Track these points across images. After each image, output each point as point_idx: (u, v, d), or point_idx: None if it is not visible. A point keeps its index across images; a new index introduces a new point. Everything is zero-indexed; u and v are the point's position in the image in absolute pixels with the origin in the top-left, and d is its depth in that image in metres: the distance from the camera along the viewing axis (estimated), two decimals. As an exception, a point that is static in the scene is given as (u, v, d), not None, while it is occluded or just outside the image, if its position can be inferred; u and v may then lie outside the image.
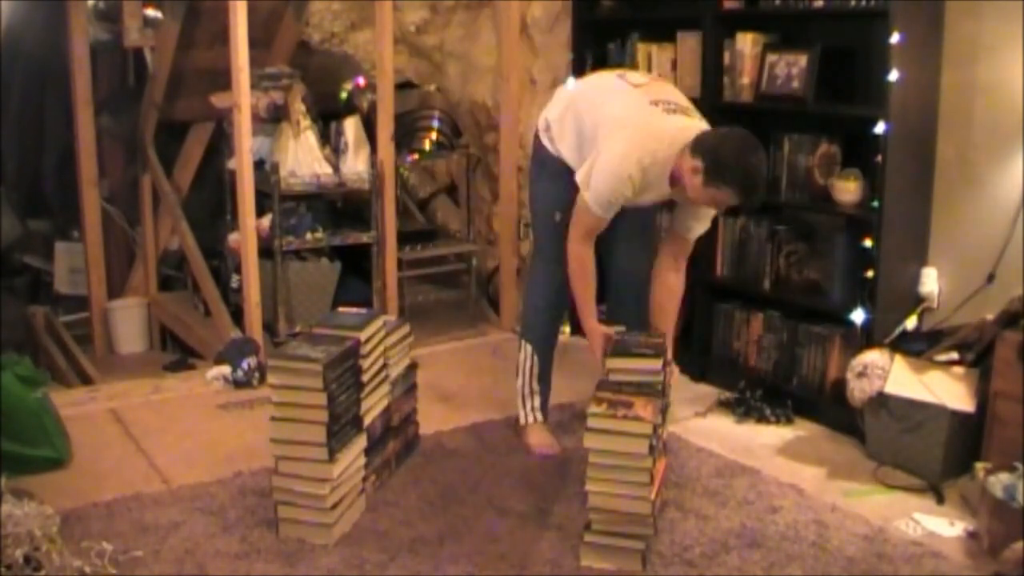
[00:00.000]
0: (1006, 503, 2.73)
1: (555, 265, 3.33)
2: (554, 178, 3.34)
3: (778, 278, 3.87)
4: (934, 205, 3.60)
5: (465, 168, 5.16)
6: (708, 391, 4.03)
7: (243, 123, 4.14)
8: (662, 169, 3.06)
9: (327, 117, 4.84)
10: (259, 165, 4.56)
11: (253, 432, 3.51)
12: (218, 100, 4.71)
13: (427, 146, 4.96)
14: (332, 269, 4.79)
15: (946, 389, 3.22)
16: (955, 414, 3.17)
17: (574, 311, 4.78)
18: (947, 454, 3.19)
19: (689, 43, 4.13)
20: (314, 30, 5.14)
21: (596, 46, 4.59)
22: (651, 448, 2.65)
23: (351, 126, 4.73)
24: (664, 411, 2.99)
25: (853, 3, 3.50)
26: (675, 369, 3.33)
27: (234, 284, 4.76)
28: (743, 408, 3.79)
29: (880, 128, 3.38)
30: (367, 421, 3.02)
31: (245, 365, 4.07)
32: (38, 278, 6.02)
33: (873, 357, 3.35)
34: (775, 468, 3.32)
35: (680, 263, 3.40)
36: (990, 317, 3.23)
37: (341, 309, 3.22)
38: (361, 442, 2.98)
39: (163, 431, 3.63)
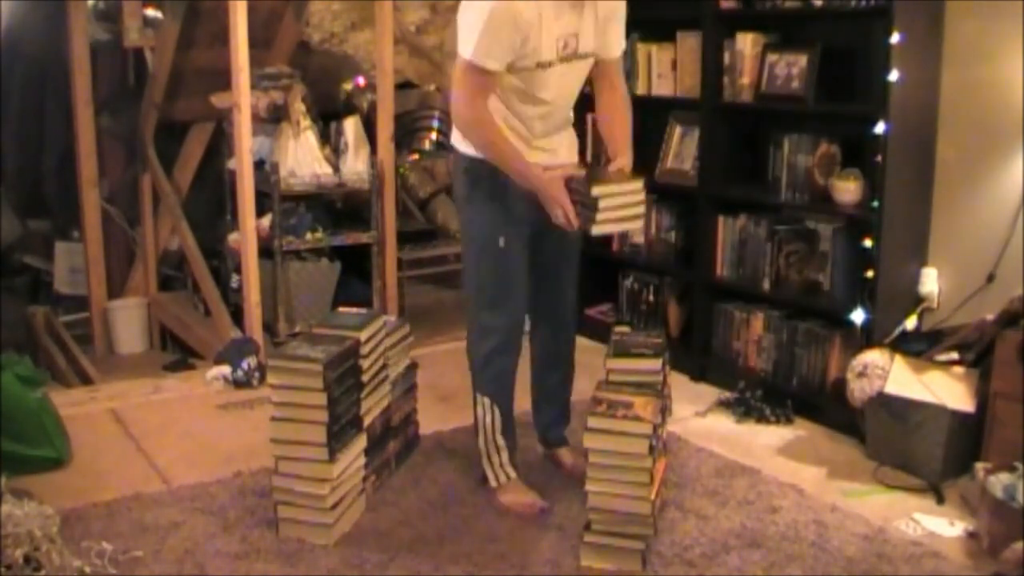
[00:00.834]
0: (1006, 503, 2.73)
1: (503, 307, 2.94)
2: (492, 195, 2.89)
3: (778, 278, 3.87)
4: (934, 205, 3.60)
5: (465, 168, 5.15)
6: (708, 391, 4.03)
7: (243, 123, 4.15)
8: None
9: (327, 117, 4.84)
10: (259, 165, 4.56)
11: (253, 432, 3.51)
12: (218, 100, 4.71)
13: (427, 146, 4.97)
14: (332, 269, 4.79)
15: (946, 389, 3.21)
16: (955, 414, 3.16)
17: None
18: (947, 454, 3.19)
19: (689, 43, 4.13)
20: (314, 30, 5.14)
21: (596, 46, 4.58)
22: (651, 448, 2.65)
23: (351, 126, 4.73)
24: (664, 411, 2.99)
25: (853, 3, 3.50)
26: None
27: (234, 284, 4.76)
28: (743, 408, 3.79)
29: (880, 128, 3.37)
30: (367, 421, 3.02)
31: (245, 365, 4.07)
32: (38, 278, 6.01)
33: (873, 357, 3.35)
34: (775, 468, 3.32)
35: (615, 82, 2.99)
36: (990, 317, 3.23)
37: (341, 309, 3.22)
38: (361, 442, 2.98)
39: (163, 431, 3.63)
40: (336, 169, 4.67)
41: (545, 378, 3.27)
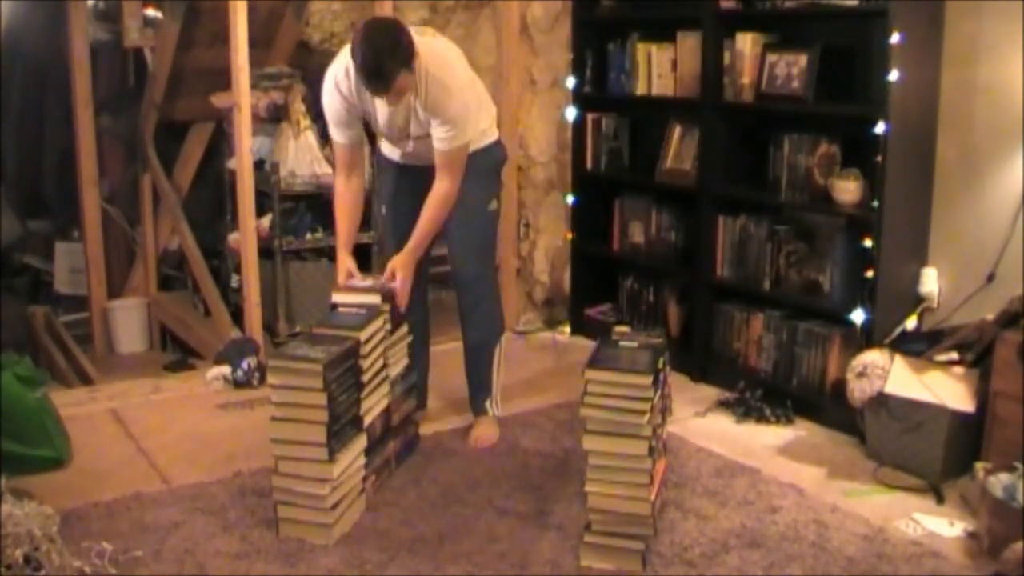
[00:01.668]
0: (1006, 503, 2.73)
1: None
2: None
3: (778, 278, 3.87)
4: (934, 205, 3.60)
5: (465, 168, 5.15)
6: (708, 391, 4.03)
7: (243, 123, 4.14)
8: None
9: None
10: (259, 165, 4.56)
11: (253, 432, 3.51)
12: (218, 100, 4.71)
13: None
14: (332, 269, 4.79)
15: (946, 389, 3.21)
16: (955, 414, 3.16)
17: (574, 306, 4.81)
18: (947, 454, 3.19)
19: (689, 43, 4.13)
20: (314, 30, 5.14)
21: (596, 46, 4.59)
22: (650, 449, 2.65)
23: (351, 126, 4.71)
24: (664, 411, 2.98)
25: (854, 3, 3.50)
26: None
27: (234, 284, 4.76)
28: (743, 408, 3.79)
29: (880, 128, 3.37)
30: (367, 421, 3.02)
31: (245, 365, 4.07)
32: (38, 278, 6.02)
33: (873, 357, 3.35)
34: (775, 468, 3.32)
35: (440, 173, 3.27)
36: (990, 317, 3.23)
37: (341, 309, 3.22)
38: (361, 442, 2.98)
39: (163, 431, 3.63)
40: (335, 168, 4.66)
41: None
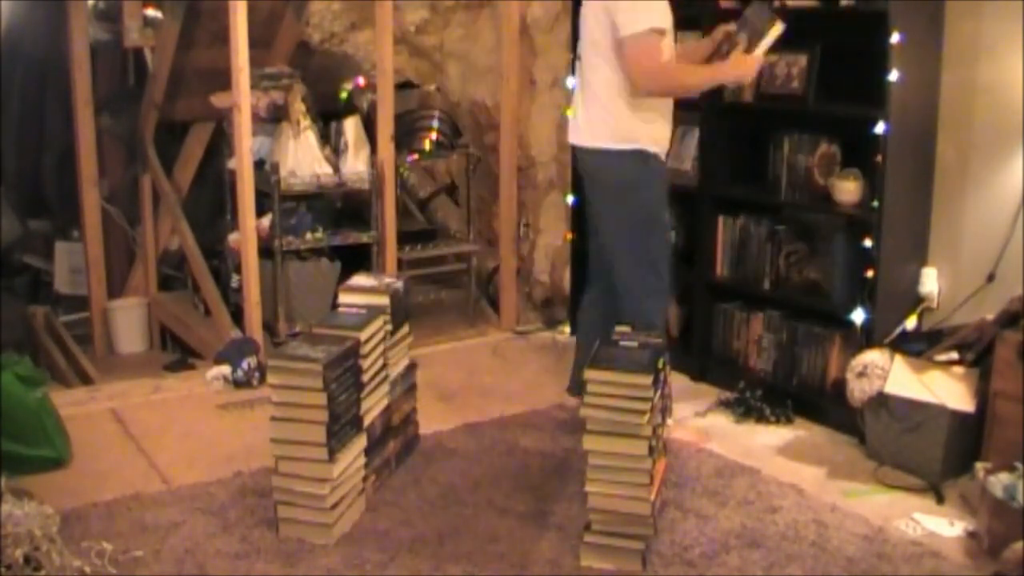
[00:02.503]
0: (1006, 503, 2.73)
1: (664, 270, 3.43)
2: (659, 178, 3.41)
3: (778, 278, 3.87)
4: (934, 205, 3.60)
5: (465, 168, 5.15)
6: (708, 391, 4.03)
7: (243, 123, 4.14)
8: None
9: (327, 117, 4.83)
10: (259, 165, 4.55)
11: (253, 432, 3.51)
12: (218, 100, 4.71)
13: (427, 146, 4.96)
14: (332, 269, 4.79)
15: (946, 389, 3.21)
16: (955, 414, 3.16)
17: (574, 306, 4.80)
18: (947, 454, 3.19)
19: (689, 43, 4.12)
20: (314, 30, 5.14)
21: (596, 46, 4.58)
22: (650, 449, 2.65)
23: (351, 126, 4.72)
24: (664, 411, 2.99)
25: (853, 3, 3.50)
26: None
27: (234, 284, 4.76)
28: (743, 408, 3.79)
29: (880, 128, 3.38)
30: (367, 421, 3.02)
31: (245, 365, 4.07)
32: (38, 278, 6.02)
33: (873, 357, 3.35)
34: (775, 468, 3.32)
35: None
36: (990, 317, 3.23)
37: (341, 309, 3.22)
38: (361, 442, 2.98)
39: (163, 431, 3.63)
40: (336, 169, 4.67)
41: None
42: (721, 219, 4.03)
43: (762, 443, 3.54)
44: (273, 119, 4.67)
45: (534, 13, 4.82)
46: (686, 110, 4.20)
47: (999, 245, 3.40)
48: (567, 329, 4.81)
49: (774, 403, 3.76)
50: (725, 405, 3.86)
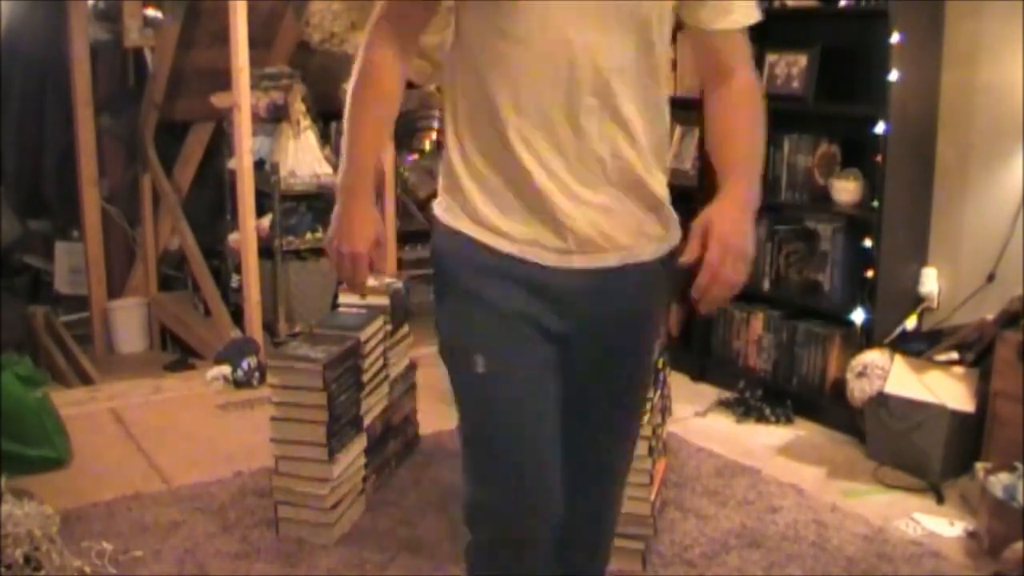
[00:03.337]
0: (1006, 503, 2.73)
1: (493, 475, 1.73)
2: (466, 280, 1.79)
3: (778, 278, 3.87)
4: (934, 205, 3.60)
5: (465, 168, 5.15)
6: (708, 391, 4.03)
7: (243, 123, 4.14)
8: None
9: (327, 117, 4.84)
10: (259, 165, 4.56)
11: (253, 432, 3.51)
12: (218, 100, 4.71)
13: (427, 146, 4.96)
14: (332, 269, 4.79)
15: (946, 389, 3.21)
16: (955, 414, 3.16)
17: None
18: (947, 454, 3.19)
19: (689, 43, 4.12)
20: (314, 30, 5.13)
21: (596, 46, 4.58)
22: (650, 449, 2.65)
23: (351, 126, 4.71)
24: (664, 411, 2.99)
25: (852, 3, 3.50)
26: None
27: (234, 284, 4.76)
28: (743, 408, 3.79)
29: (880, 128, 3.37)
30: (367, 421, 3.02)
31: (245, 365, 4.07)
32: (38, 278, 6.01)
33: (873, 357, 3.35)
34: (775, 468, 3.32)
35: (728, 73, 1.76)
36: (990, 317, 3.23)
37: (341, 309, 3.22)
38: (361, 442, 2.98)
39: (163, 431, 3.63)
40: (336, 169, 4.67)
41: None
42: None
43: (762, 443, 3.54)
44: (273, 119, 4.67)
45: (534, 13, 4.81)
46: (686, 110, 4.22)
47: (999, 245, 3.40)
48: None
49: (774, 403, 3.76)
50: (725, 405, 3.86)
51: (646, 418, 2.63)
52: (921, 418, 3.22)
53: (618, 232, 1.70)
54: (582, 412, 1.75)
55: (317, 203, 4.75)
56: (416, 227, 5.20)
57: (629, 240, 1.73)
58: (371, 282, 3.27)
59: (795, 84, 3.69)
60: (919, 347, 3.37)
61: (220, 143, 5.08)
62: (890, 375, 3.29)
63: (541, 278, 1.65)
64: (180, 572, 2.64)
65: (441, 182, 1.78)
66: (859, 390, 3.33)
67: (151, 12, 5.12)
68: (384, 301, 3.22)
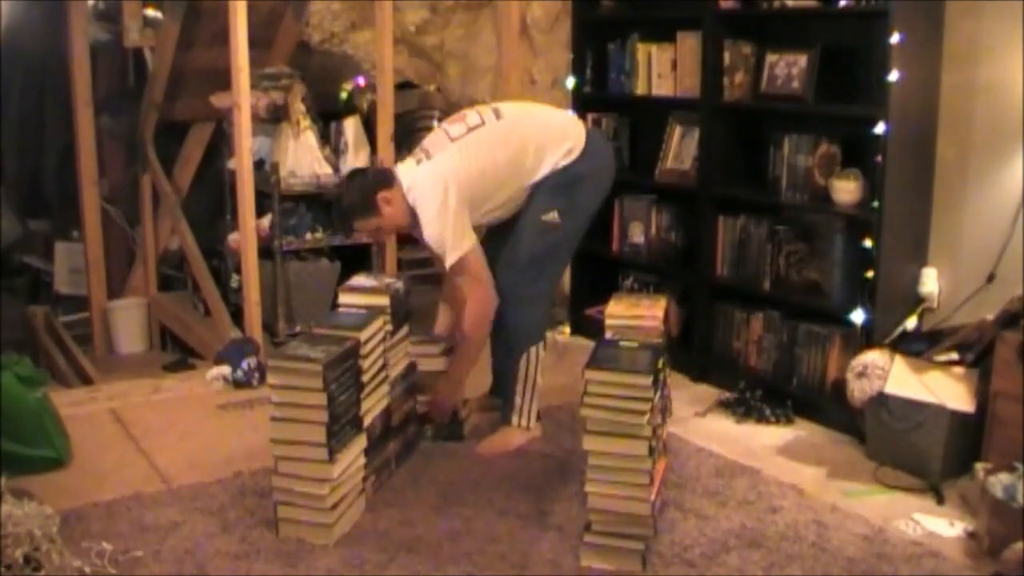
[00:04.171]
0: (1006, 503, 2.73)
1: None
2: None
3: (778, 278, 3.87)
4: (934, 205, 3.60)
5: (465, 168, 5.15)
6: (708, 391, 4.03)
7: (243, 123, 4.15)
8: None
9: (327, 117, 4.84)
10: (259, 165, 4.56)
11: (253, 432, 3.51)
12: (218, 100, 4.72)
13: (427, 146, 4.95)
14: (332, 269, 4.79)
15: (946, 389, 3.22)
16: (955, 414, 3.16)
17: (573, 306, 4.81)
18: (947, 454, 3.19)
19: (689, 43, 4.13)
20: (314, 30, 5.14)
21: (596, 46, 4.59)
22: (650, 449, 2.65)
23: (351, 126, 4.73)
24: (664, 411, 2.98)
25: (852, 3, 3.50)
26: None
27: (234, 284, 4.77)
28: (743, 408, 3.79)
29: (880, 128, 3.38)
30: (367, 421, 3.02)
31: (245, 365, 4.07)
32: (38, 278, 6.02)
33: (873, 357, 3.35)
34: (775, 468, 3.32)
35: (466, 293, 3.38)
36: (990, 317, 3.23)
37: (341, 309, 3.22)
38: (361, 442, 2.98)
39: (163, 431, 3.63)
40: (336, 169, 4.67)
41: None
42: (721, 219, 4.03)
43: (762, 443, 3.54)
44: (273, 119, 4.67)
45: (534, 13, 4.82)
46: (686, 110, 4.22)
47: (999, 245, 3.40)
48: (567, 329, 4.81)
49: (774, 403, 3.76)
50: (725, 405, 3.86)
51: (645, 418, 2.63)
52: (921, 418, 3.22)
53: None
54: None
55: (317, 203, 4.76)
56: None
57: None
58: (372, 282, 3.27)
59: (795, 84, 3.69)
60: (919, 347, 3.37)
61: (220, 143, 5.08)
62: (890, 375, 3.29)
63: None
64: (180, 572, 2.64)
65: None
66: (859, 390, 3.33)
67: (151, 12, 5.13)
68: (384, 301, 3.22)
